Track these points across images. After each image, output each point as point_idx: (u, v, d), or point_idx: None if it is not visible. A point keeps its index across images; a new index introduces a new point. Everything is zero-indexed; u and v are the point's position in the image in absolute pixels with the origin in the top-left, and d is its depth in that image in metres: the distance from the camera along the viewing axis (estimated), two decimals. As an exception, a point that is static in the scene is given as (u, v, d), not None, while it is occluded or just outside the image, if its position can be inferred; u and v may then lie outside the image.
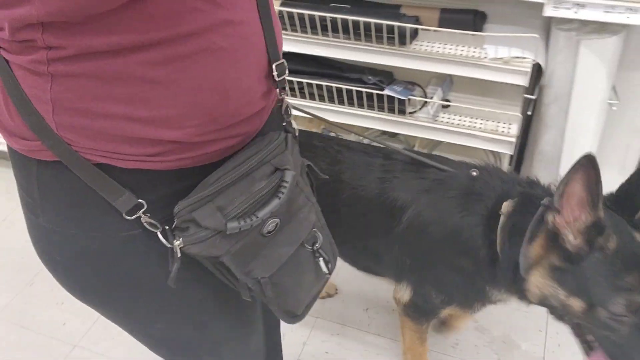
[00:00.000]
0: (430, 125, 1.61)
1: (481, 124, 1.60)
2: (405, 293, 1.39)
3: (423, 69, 1.51)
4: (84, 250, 0.78)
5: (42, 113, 0.67)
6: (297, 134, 0.91)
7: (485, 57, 1.44)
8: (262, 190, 0.76)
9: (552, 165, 1.65)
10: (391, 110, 1.62)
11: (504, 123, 1.58)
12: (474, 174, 1.20)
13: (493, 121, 1.58)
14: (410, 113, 1.63)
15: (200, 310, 0.90)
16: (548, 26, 1.51)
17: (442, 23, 1.49)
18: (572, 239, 0.96)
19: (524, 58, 1.41)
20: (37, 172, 0.73)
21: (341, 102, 1.66)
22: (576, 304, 0.99)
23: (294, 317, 0.92)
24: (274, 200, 0.77)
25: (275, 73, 0.81)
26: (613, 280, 0.95)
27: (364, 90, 1.59)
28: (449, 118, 1.63)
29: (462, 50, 1.48)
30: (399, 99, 1.59)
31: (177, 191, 0.74)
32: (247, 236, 0.77)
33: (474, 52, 1.47)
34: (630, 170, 1.39)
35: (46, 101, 0.66)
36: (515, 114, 1.50)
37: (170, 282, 0.76)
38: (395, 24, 1.43)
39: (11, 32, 0.63)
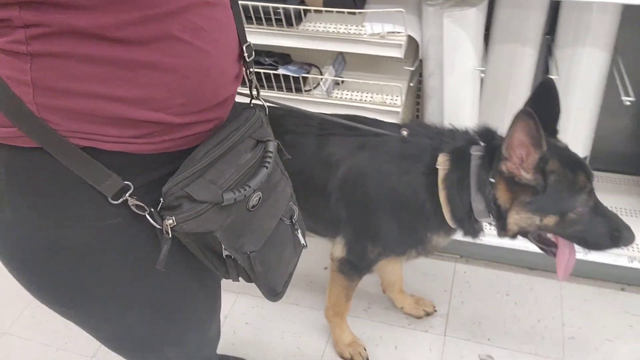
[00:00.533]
0: (325, 101, 1.73)
1: (371, 97, 1.73)
2: (339, 248, 1.47)
3: (310, 48, 1.63)
4: (53, 244, 0.75)
5: (21, 96, 0.64)
6: (267, 112, 0.95)
7: (365, 34, 1.57)
8: (249, 161, 0.79)
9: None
10: (289, 89, 1.74)
11: (391, 95, 1.71)
12: (405, 133, 1.32)
13: (382, 94, 1.71)
14: (306, 91, 1.75)
15: (173, 299, 0.90)
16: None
17: (327, 4, 1.62)
18: (529, 177, 1.15)
19: (398, 32, 1.54)
20: (7, 160, 0.70)
21: (243, 84, 1.77)
22: (550, 221, 1.19)
23: (276, 294, 0.93)
24: (262, 170, 0.80)
25: (245, 54, 0.84)
26: (571, 188, 1.16)
27: (261, 71, 1.70)
28: (342, 94, 1.76)
29: (345, 29, 1.61)
30: (295, 77, 1.71)
31: (161, 176, 0.74)
32: (236, 210, 0.78)
33: (355, 29, 1.60)
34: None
35: (26, 82, 0.64)
36: (396, 84, 1.63)
37: (159, 265, 0.75)
38: (280, 6, 1.55)
39: None
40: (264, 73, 1.71)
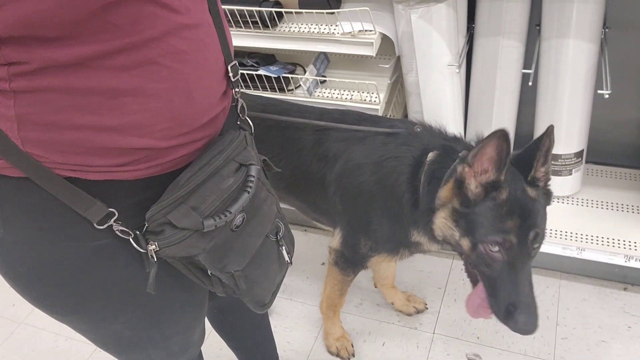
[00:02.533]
0: (307, 100, 1.76)
1: (351, 95, 1.74)
2: (336, 239, 1.51)
3: (286, 48, 1.67)
4: (51, 261, 0.77)
5: (5, 131, 0.65)
6: (252, 130, 0.95)
7: (338, 33, 1.59)
8: (231, 187, 0.79)
9: (421, 129, 1.78)
10: (273, 89, 1.78)
11: (373, 93, 1.72)
12: (418, 129, 1.35)
13: (362, 92, 1.72)
14: (289, 90, 1.79)
15: (161, 309, 0.92)
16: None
17: (302, 5, 1.64)
18: (473, 188, 1.13)
19: (369, 31, 1.55)
20: None
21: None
22: (465, 243, 1.16)
23: (263, 305, 0.96)
24: (243, 194, 0.81)
25: (231, 74, 0.85)
26: (495, 223, 1.11)
27: (244, 71, 1.75)
28: (325, 92, 1.78)
29: (319, 29, 1.63)
30: (277, 78, 1.75)
31: (147, 198, 0.75)
32: (219, 233, 0.79)
33: (328, 29, 1.62)
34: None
35: (10, 118, 0.65)
36: (372, 82, 1.64)
37: (149, 288, 0.78)
38: (255, 9, 1.59)
39: None
40: (247, 74, 1.76)
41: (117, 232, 0.75)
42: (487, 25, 1.69)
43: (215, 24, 0.80)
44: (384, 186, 1.34)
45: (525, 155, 1.15)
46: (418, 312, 1.91)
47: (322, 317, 1.82)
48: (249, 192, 0.81)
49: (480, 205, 1.12)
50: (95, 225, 0.73)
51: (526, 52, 1.74)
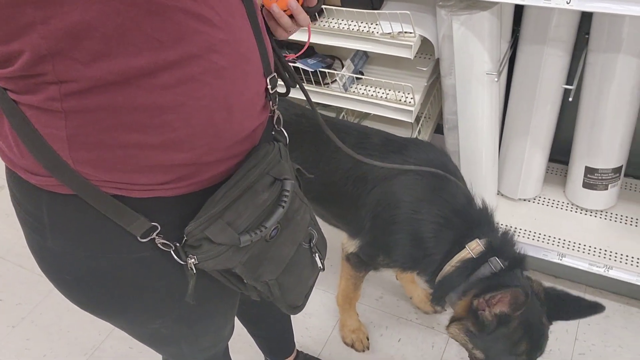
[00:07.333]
0: (341, 95, 1.76)
1: (387, 94, 1.73)
2: (353, 245, 1.55)
3: (325, 44, 1.66)
4: (95, 270, 0.81)
5: (57, 151, 0.68)
6: (287, 142, 0.95)
7: (377, 33, 1.57)
8: (266, 201, 0.80)
9: (454, 132, 1.76)
10: (309, 81, 1.79)
11: (409, 94, 1.71)
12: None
13: (398, 92, 1.71)
14: (325, 84, 1.79)
15: (196, 312, 0.94)
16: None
17: (345, 3, 1.63)
18: (488, 317, 1.25)
19: (408, 33, 1.53)
20: (48, 202, 0.75)
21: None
22: (478, 355, 1.34)
23: (296, 308, 0.99)
24: (278, 209, 0.82)
25: (269, 86, 0.84)
26: (509, 347, 1.27)
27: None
28: (360, 89, 1.78)
29: (359, 27, 1.62)
30: (314, 71, 1.75)
31: (188, 214, 0.77)
32: (254, 245, 0.81)
33: (368, 28, 1.61)
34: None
35: (62, 139, 0.67)
36: (407, 84, 1.63)
37: (188, 298, 0.82)
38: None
39: (23, 68, 0.63)
40: (284, 65, 1.76)
41: (159, 244, 0.78)
42: (533, 31, 1.64)
43: (255, 36, 0.80)
44: (420, 234, 1.38)
45: (565, 300, 1.31)
46: (436, 312, 1.92)
47: (339, 309, 1.86)
48: (283, 207, 0.82)
49: (495, 332, 1.25)
50: (138, 238, 0.77)
51: (571, 63, 1.69)
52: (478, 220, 1.37)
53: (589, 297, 1.89)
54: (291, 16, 0.93)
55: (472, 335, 1.30)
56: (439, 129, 2.03)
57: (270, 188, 0.82)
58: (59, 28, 0.60)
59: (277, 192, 0.82)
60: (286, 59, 0.95)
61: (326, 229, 1.05)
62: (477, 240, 1.33)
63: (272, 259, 0.86)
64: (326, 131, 1.09)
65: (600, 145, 1.75)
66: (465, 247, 1.33)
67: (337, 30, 1.63)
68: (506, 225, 1.88)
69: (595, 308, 1.29)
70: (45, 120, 0.66)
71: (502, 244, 1.34)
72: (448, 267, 1.35)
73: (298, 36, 1.68)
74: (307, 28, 0.99)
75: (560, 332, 1.80)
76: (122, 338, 1.92)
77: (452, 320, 1.36)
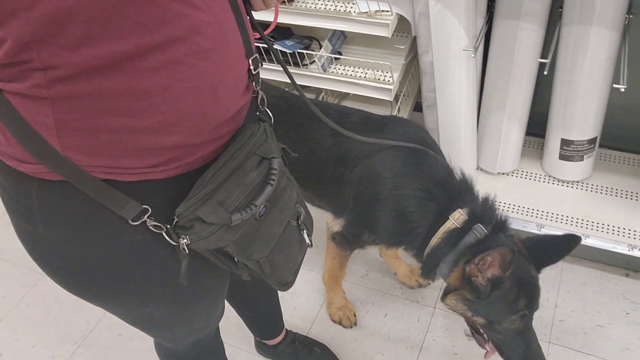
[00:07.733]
0: (320, 76, 1.77)
1: (366, 73, 1.74)
2: (337, 225, 1.58)
3: (305, 24, 1.66)
4: (87, 256, 0.82)
5: (46, 137, 0.68)
6: (272, 121, 0.96)
7: (354, 12, 1.58)
8: (254, 180, 0.82)
9: (433, 109, 1.78)
10: (287, 63, 1.79)
11: (387, 72, 1.72)
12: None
13: (376, 71, 1.72)
14: (304, 65, 1.79)
15: (188, 294, 0.96)
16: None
17: (320, -19, 1.63)
18: (481, 282, 1.29)
19: (385, 11, 1.54)
20: (38, 189, 0.75)
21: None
22: (479, 320, 1.37)
23: (286, 284, 1.01)
24: (267, 187, 0.83)
25: (252, 67, 0.85)
26: (507, 307, 1.31)
27: (259, 44, 1.75)
28: (339, 69, 1.79)
29: (335, 6, 1.62)
30: (292, 53, 1.75)
31: (178, 195, 0.79)
32: (245, 223, 0.83)
33: (345, 7, 1.61)
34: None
35: (50, 126, 0.67)
36: (386, 63, 1.64)
37: (181, 279, 0.83)
38: (271, -16, 1.58)
39: (7, 55, 0.63)
40: (262, 47, 1.76)
41: (150, 227, 0.79)
42: (507, 6, 1.66)
43: (236, 19, 0.80)
44: (403, 208, 1.41)
45: (543, 244, 1.34)
46: (420, 286, 1.97)
47: (325, 288, 1.89)
48: (272, 185, 0.84)
49: (491, 295, 1.29)
50: (129, 221, 0.77)
51: (545, 37, 1.71)
52: (459, 191, 1.40)
53: (566, 265, 1.96)
54: None
55: (469, 303, 1.33)
56: (418, 107, 2.05)
57: (258, 167, 0.83)
58: (43, 14, 0.60)
59: (265, 171, 0.84)
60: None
61: (310, 210, 1.06)
62: (460, 210, 1.36)
63: (262, 237, 0.88)
64: (311, 107, 1.10)
65: (575, 117, 1.78)
66: (449, 218, 1.36)
67: (314, 11, 1.63)
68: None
69: (573, 240, 1.32)
70: (32, 108, 0.66)
71: (483, 211, 1.37)
72: (435, 240, 1.38)
73: (269, 17, 1.69)
74: (285, 9, 0.98)
75: (541, 300, 1.85)
76: (111, 326, 1.94)
77: (447, 292, 1.39)
